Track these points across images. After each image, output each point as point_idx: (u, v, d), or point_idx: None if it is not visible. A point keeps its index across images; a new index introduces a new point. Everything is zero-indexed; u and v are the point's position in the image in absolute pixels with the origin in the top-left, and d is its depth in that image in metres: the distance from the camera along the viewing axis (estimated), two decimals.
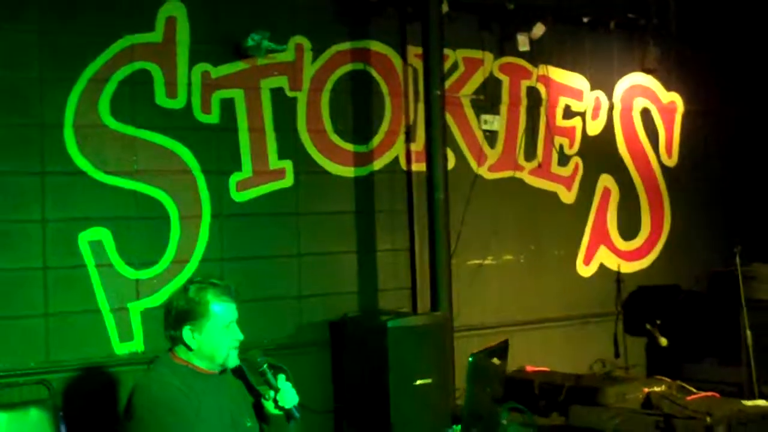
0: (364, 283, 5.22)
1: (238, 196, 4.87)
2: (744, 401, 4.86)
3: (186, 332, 3.03)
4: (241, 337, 3.10)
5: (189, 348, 3.04)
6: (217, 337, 3.05)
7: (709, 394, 4.96)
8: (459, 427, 3.65)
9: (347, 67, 5.27)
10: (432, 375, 4.67)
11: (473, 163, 5.74)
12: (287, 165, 5.03)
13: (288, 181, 5.03)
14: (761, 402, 4.83)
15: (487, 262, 5.73)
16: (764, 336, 5.49)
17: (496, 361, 3.69)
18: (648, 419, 4.52)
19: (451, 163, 5.50)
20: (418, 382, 4.63)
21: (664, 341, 5.95)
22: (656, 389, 4.94)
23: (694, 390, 5.00)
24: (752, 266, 5.80)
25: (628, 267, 6.38)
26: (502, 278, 5.76)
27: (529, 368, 5.44)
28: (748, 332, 5.30)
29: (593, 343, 6.04)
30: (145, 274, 4.60)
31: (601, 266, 6.26)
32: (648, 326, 6.01)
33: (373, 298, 5.24)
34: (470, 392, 3.42)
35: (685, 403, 4.69)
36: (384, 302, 5.26)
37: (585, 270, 6.19)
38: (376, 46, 5.38)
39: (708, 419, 4.47)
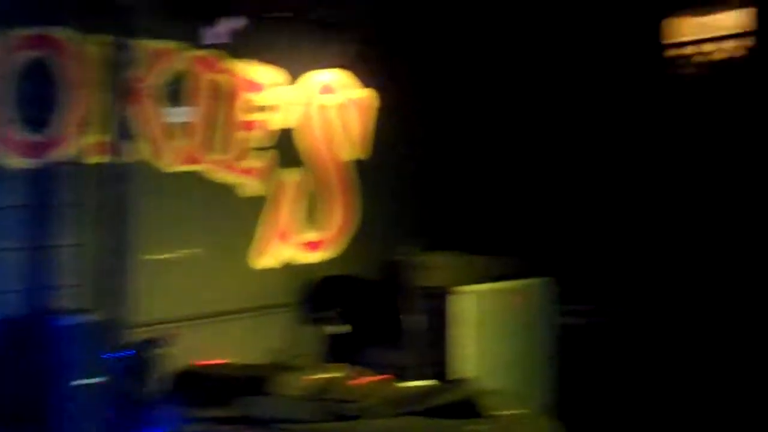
0: (34, 281, 5.04)
1: None
2: (407, 383, 5.30)
3: None
4: None
5: None
6: None
7: (379, 377, 5.34)
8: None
9: (27, 53, 5.05)
10: (100, 374, 4.64)
11: (158, 156, 5.71)
12: None
13: None
14: (420, 383, 5.29)
15: (169, 256, 5.73)
16: (432, 321, 5.98)
17: (154, 354, 3.77)
18: (312, 405, 4.80)
19: (136, 155, 5.45)
20: (85, 382, 4.59)
21: (342, 329, 6.27)
22: (327, 376, 5.24)
23: (367, 375, 5.35)
24: (426, 255, 6.26)
25: (314, 258, 6.59)
26: (183, 273, 5.76)
27: (203, 361, 5.51)
28: (414, 318, 5.77)
29: (274, 334, 6.19)
30: None
31: (285, 258, 6.42)
32: (327, 315, 6.31)
33: (43, 297, 5.06)
34: (127, 388, 3.48)
35: (349, 388, 5.03)
36: (56, 301, 5.08)
37: (268, 262, 6.33)
38: (61, 33, 5.20)
39: (367, 402, 4.84)
